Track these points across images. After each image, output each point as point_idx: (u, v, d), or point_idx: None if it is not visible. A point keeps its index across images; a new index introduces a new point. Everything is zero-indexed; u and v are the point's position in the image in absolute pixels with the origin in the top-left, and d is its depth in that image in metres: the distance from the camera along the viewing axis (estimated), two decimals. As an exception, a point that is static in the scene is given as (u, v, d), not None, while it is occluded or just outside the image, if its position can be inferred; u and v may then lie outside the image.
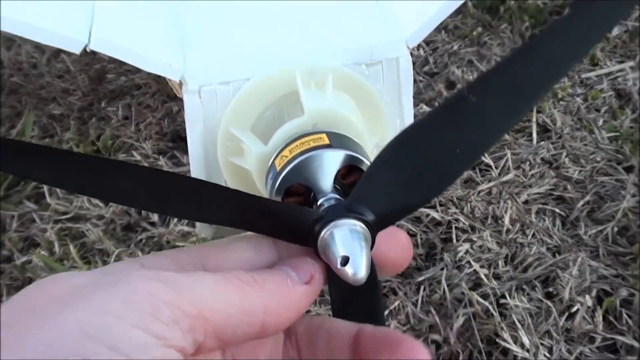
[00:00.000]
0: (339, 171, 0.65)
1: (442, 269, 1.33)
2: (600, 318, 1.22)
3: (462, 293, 1.27)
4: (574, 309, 1.23)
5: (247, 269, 0.48)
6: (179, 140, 1.78)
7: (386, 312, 1.26)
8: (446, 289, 1.28)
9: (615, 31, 2.04)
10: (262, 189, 0.75)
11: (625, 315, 1.23)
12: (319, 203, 0.62)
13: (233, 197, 0.53)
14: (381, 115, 0.81)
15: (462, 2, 0.90)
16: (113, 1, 0.88)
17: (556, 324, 1.21)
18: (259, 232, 0.54)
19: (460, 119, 0.55)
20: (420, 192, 0.57)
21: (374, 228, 0.54)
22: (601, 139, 1.64)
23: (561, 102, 1.76)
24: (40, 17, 0.79)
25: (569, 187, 1.50)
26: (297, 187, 0.66)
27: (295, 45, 0.83)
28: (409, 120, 0.84)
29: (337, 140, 0.68)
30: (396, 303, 1.28)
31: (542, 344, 1.18)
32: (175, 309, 0.41)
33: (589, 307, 1.23)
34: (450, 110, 0.56)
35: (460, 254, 1.34)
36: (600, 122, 1.69)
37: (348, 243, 0.52)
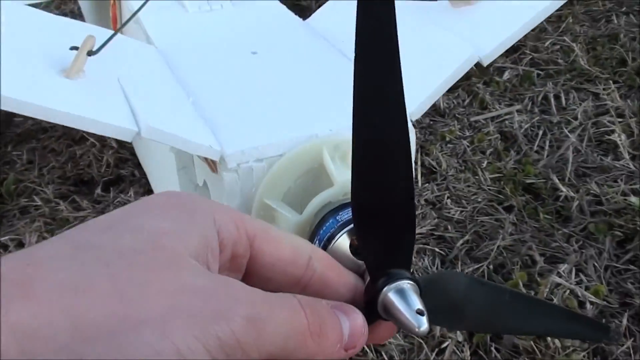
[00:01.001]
0: None
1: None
2: (468, 353, 1.30)
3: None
4: (445, 344, 1.31)
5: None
6: (81, 184, 1.84)
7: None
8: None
9: (506, 75, 2.16)
10: None
11: (494, 350, 1.31)
12: None
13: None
14: None
15: (460, 77, 1.02)
16: (142, 89, 0.98)
17: (427, 359, 1.29)
18: None
19: (492, 300, 0.78)
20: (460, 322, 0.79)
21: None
22: (484, 180, 1.74)
23: (448, 145, 1.86)
24: (88, 109, 0.88)
25: (449, 227, 1.58)
26: None
27: (316, 120, 0.94)
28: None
29: None
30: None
31: (414, 378, 1.26)
32: None
33: (459, 342, 1.31)
34: (493, 290, 0.79)
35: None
36: (485, 164, 1.79)
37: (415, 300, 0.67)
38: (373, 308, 0.71)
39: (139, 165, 1.86)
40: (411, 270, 0.76)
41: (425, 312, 0.69)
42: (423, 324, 0.69)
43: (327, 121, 0.93)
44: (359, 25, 0.59)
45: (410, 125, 0.98)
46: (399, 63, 0.61)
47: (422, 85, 1.03)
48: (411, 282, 0.72)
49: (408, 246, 0.72)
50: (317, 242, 0.81)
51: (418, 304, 0.70)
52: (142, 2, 1.19)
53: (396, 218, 0.70)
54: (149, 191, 1.76)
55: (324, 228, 0.81)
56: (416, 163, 1.74)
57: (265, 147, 0.90)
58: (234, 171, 0.89)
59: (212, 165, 0.94)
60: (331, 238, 0.79)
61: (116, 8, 1.55)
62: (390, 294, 0.68)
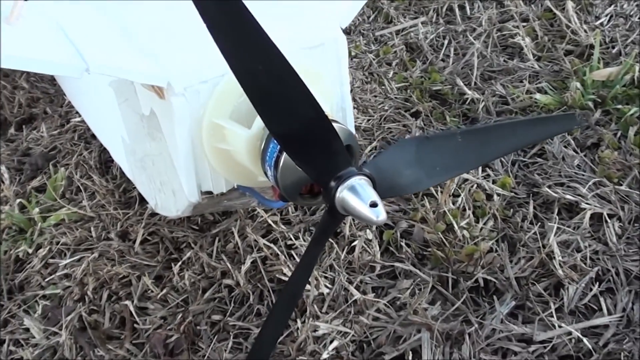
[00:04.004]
0: None
1: (236, 220, 1.38)
2: (378, 248, 1.30)
3: (255, 240, 1.33)
4: (355, 242, 1.30)
5: None
6: None
7: (179, 264, 1.31)
8: (237, 238, 1.34)
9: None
10: (250, 165, 0.93)
11: (404, 245, 1.31)
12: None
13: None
14: (327, 87, 1.00)
15: None
16: (80, 25, 0.99)
17: (338, 258, 1.29)
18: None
19: (445, 148, 0.90)
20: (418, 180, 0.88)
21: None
22: (390, 90, 1.73)
23: (354, 60, 1.85)
24: (33, 50, 0.91)
25: (357, 135, 1.57)
26: None
27: None
28: (346, 87, 1.04)
29: None
30: (189, 254, 1.32)
31: (325, 277, 1.25)
32: None
33: (369, 240, 1.31)
34: (443, 139, 0.94)
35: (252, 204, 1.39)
36: (391, 74, 1.79)
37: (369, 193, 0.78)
38: (334, 210, 0.79)
39: (51, 103, 1.83)
40: (362, 165, 0.82)
41: (378, 202, 0.76)
42: (379, 213, 0.78)
43: None
44: None
45: (340, 31, 1.01)
46: None
47: None
48: (362, 177, 0.79)
49: (341, 149, 0.77)
50: (268, 167, 0.88)
51: (371, 197, 0.78)
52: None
53: (314, 132, 0.78)
54: (61, 126, 1.73)
55: (268, 154, 0.87)
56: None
57: (207, 69, 0.93)
58: (181, 95, 0.92)
59: (160, 92, 0.95)
60: (277, 162, 0.86)
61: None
62: (343, 194, 0.79)
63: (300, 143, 0.78)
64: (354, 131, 1.07)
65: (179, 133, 0.95)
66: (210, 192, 1.04)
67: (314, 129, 0.77)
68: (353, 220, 1.33)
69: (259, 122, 0.90)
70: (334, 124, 0.82)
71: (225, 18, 0.70)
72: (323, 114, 0.76)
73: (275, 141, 0.86)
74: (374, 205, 0.78)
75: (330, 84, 1.02)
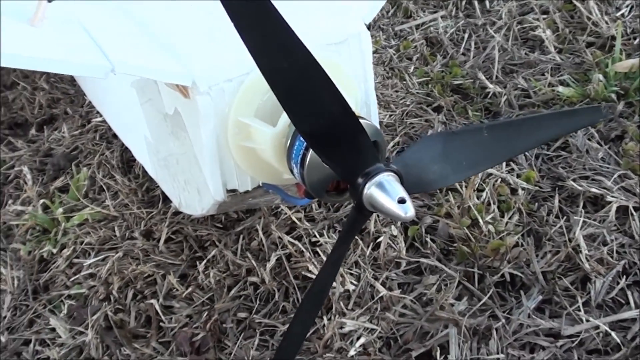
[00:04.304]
0: None
1: (260, 217, 1.38)
2: (403, 244, 1.29)
3: (279, 237, 1.33)
4: (380, 239, 1.30)
5: None
6: (15, 127, 1.83)
7: (204, 262, 1.31)
8: (262, 235, 1.34)
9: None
10: (275, 163, 0.93)
11: (429, 241, 1.31)
12: None
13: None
14: (352, 83, 1.00)
15: None
16: (103, 25, 1.00)
17: (363, 255, 1.28)
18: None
19: (472, 143, 0.90)
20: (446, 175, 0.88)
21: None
22: (412, 85, 1.72)
23: (374, 55, 1.84)
24: (58, 51, 0.90)
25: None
26: None
27: None
28: (371, 83, 1.04)
29: None
30: (213, 252, 1.33)
31: (350, 274, 1.25)
32: None
33: (394, 236, 1.30)
34: (469, 134, 0.94)
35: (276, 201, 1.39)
36: (412, 69, 1.78)
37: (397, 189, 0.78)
38: (362, 207, 0.80)
39: (71, 103, 1.84)
40: (389, 161, 0.82)
41: (406, 199, 0.76)
42: (407, 210, 0.78)
43: None
44: None
45: (364, 27, 1.01)
46: None
47: None
48: (389, 173, 0.78)
49: (368, 145, 0.77)
50: (294, 164, 0.88)
51: (399, 193, 0.78)
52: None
53: (341, 129, 0.77)
54: (82, 126, 1.73)
55: (295, 151, 0.87)
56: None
57: (232, 67, 0.92)
58: (206, 94, 0.92)
59: (184, 91, 0.95)
60: (304, 159, 0.86)
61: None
62: (370, 190, 0.78)
63: (327, 140, 0.78)
64: (379, 127, 1.06)
65: (204, 132, 0.95)
66: (235, 190, 1.04)
67: (341, 125, 0.77)
68: (378, 216, 1.32)
69: (284, 120, 0.89)
70: (360, 120, 0.82)
71: (252, 15, 0.70)
72: (350, 110, 0.76)
73: (301, 138, 0.86)
74: (402, 201, 0.78)
75: (354, 80, 1.01)
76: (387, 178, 0.79)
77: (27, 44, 0.88)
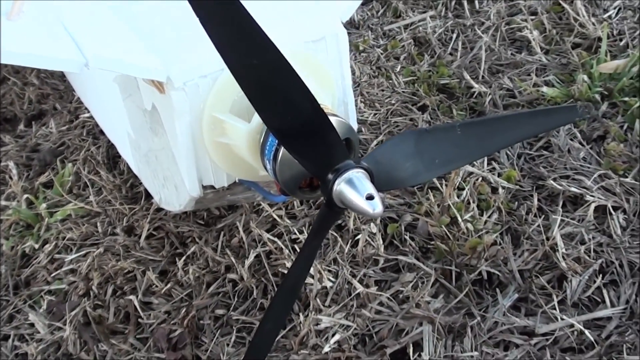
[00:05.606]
0: None
1: (242, 214, 1.39)
2: (382, 242, 1.29)
3: (259, 235, 1.33)
4: (359, 236, 1.30)
5: None
6: (4, 122, 1.84)
7: (183, 258, 1.32)
8: (242, 232, 1.34)
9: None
10: (250, 159, 0.94)
11: (408, 238, 1.31)
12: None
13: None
14: (329, 81, 1.01)
15: None
16: (81, 20, 0.99)
17: (342, 251, 1.29)
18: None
19: (445, 140, 0.90)
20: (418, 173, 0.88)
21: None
22: (398, 84, 1.73)
23: (362, 54, 1.84)
24: (33, 46, 0.92)
25: (363, 129, 1.58)
26: None
27: None
28: (348, 81, 1.05)
29: None
30: (193, 248, 1.33)
31: (328, 270, 1.25)
32: None
33: (373, 234, 1.31)
34: (442, 132, 0.94)
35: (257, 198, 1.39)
36: (398, 69, 1.78)
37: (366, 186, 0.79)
38: (332, 203, 0.81)
39: (60, 99, 1.84)
40: (359, 157, 0.82)
41: (375, 195, 0.76)
42: (375, 206, 0.78)
43: None
44: None
45: (341, 26, 1.02)
46: None
47: None
48: (359, 170, 0.79)
49: (338, 142, 0.77)
50: (267, 161, 0.89)
51: (367, 189, 0.78)
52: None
53: (310, 126, 0.78)
54: (70, 122, 1.74)
55: (267, 147, 0.88)
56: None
57: (207, 63, 0.93)
58: (181, 89, 0.93)
59: (160, 86, 0.96)
60: (276, 156, 0.87)
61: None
62: (340, 186, 0.79)
63: (296, 136, 0.78)
64: (355, 125, 1.07)
65: (179, 127, 0.96)
66: (211, 187, 1.05)
67: (310, 122, 0.77)
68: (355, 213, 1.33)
69: (258, 116, 0.90)
70: (332, 118, 0.82)
71: (218, 13, 0.71)
72: (318, 107, 0.76)
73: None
74: (370, 197, 0.78)
75: (332, 78, 1.02)
76: (357, 175, 0.80)
77: (3, 38, 0.89)
